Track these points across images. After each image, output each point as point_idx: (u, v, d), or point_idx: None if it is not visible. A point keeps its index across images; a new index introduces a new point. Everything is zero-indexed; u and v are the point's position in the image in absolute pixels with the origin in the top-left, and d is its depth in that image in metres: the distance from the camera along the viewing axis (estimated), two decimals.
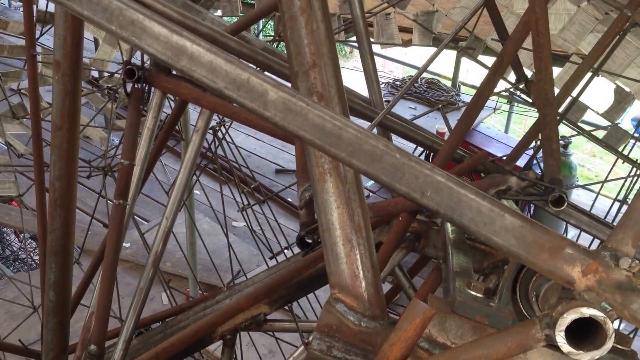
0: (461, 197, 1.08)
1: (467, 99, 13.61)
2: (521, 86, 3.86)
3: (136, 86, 2.27)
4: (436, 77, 14.22)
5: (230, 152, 4.76)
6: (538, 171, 4.27)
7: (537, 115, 3.67)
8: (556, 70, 4.76)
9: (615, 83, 3.94)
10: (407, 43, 4.99)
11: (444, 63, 13.84)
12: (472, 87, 14.39)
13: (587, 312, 1.00)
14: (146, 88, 2.35)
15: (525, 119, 16.21)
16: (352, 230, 1.28)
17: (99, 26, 1.18)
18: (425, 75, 14.44)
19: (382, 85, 13.57)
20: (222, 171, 7.49)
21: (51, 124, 2.02)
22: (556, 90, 4.09)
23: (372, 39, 4.69)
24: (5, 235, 8.89)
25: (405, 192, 1.11)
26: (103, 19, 1.15)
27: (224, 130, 4.82)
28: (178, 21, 2.37)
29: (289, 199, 9.74)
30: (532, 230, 1.06)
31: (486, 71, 4.24)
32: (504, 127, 12.70)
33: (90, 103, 6.01)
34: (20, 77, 5.98)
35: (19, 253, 8.38)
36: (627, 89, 3.88)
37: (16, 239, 8.70)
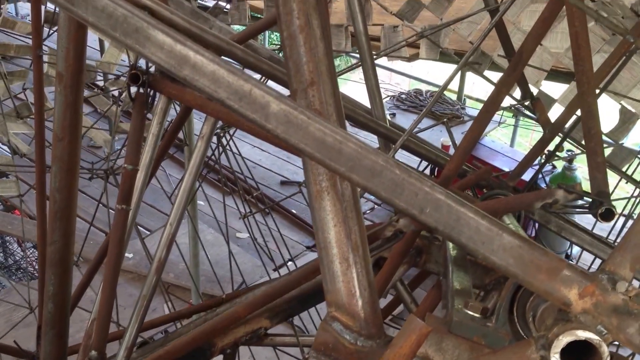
0: (460, 215, 1.08)
1: (473, 112, 13.62)
2: (526, 103, 3.87)
3: (141, 91, 2.27)
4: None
5: (234, 162, 4.76)
6: (543, 185, 4.25)
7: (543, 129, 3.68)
8: (560, 87, 4.76)
9: (620, 103, 3.94)
10: (412, 58, 5.00)
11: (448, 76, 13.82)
12: (478, 100, 14.40)
13: (582, 335, 0.99)
14: (151, 93, 2.35)
15: (532, 132, 16.20)
16: (349, 248, 1.28)
17: (103, 33, 1.18)
18: (430, 88, 14.46)
19: (387, 99, 13.58)
20: (225, 181, 7.49)
21: (52, 135, 2.02)
22: (561, 108, 4.09)
23: (378, 50, 4.70)
24: (8, 244, 8.87)
25: (404, 208, 1.11)
26: (107, 26, 1.15)
27: (228, 137, 4.82)
28: (184, 29, 2.38)
29: (293, 210, 9.71)
30: (530, 250, 1.05)
31: (491, 86, 4.26)
32: (509, 139, 12.65)
33: (95, 105, 6.03)
34: (26, 77, 6.01)
35: (21, 262, 8.36)
36: (632, 110, 3.88)
37: (19, 248, 8.68)
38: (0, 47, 5.25)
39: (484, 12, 4.00)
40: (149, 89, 2.29)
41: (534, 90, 4.09)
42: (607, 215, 2.20)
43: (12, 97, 5.24)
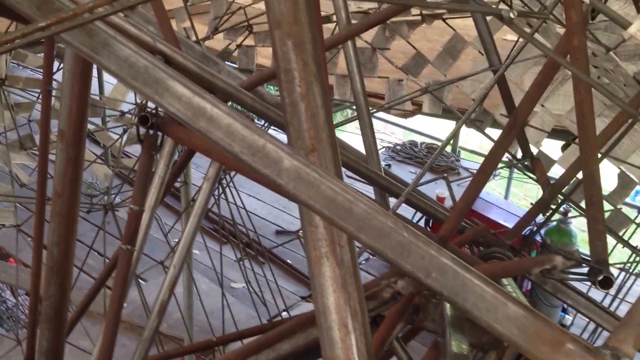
0: (465, 282, 1.09)
1: (467, 164, 13.71)
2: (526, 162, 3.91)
3: (149, 132, 2.30)
4: (436, 143, 14.36)
5: (228, 209, 4.77)
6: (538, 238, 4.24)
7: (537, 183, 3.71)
8: (560, 144, 4.81)
9: (619, 168, 3.98)
10: (414, 112, 5.07)
11: (444, 128, 14.00)
12: (472, 152, 14.52)
13: None
14: (159, 135, 2.38)
15: (526, 184, 16.25)
16: (348, 314, 1.28)
17: (123, 81, 1.20)
18: (425, 139, 14.58)
19: (382, 150, 13.68)
20: (222, 230, 7.49)
21: (52, 191, 2.04)
22: (562, 170, 4.12)
23: (381, 104, 4.76)
24: (1, 292, 8.76)
25: (410, 271, 1.12)
26: (128, 76, 1.18)
27: (227, 180, 4.85)
28: (196, 74, 2.42)
29: (289, 261, 9.65)
30: (535, 321, 1.06)
31: (486, 139, 4.30)
32: (504, 188, 12.67)
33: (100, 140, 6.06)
34: (32, 109, 6.05)
35: (14, 310, 8.27)
36: (631, 175, 3.91)
37: (12, 296, 8.59)
38: (10, 79, 5.30)
39: (488, 71, 4.07)
40: (157, 131, 2.31)
41: (534, 150, 4.13)
42: (606, 283, 2.21)
43: (17, 128, 5.27)
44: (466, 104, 5.42)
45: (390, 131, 16.41)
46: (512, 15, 0.97)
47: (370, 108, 3.54)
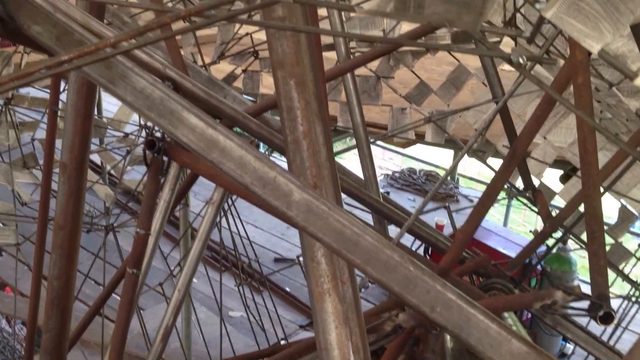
0: (470, 317, 1.10)
1: (466, 191, 13.71)
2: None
3: (156, 157, 2.32)
4: (435, 170, 14.38)
5: (231, 230, 4.76)
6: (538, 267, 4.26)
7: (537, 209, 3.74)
8: (555, 172, 4.84)
9: (620, 202, 4.00)
10: (410, 143, 5.11)
11: (442, 155, 14.02)
12: (471, 179, 14.53)
13: None
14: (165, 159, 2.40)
15: (524, 209, 16.22)
16: (350, 350, 1.29)
17: (139, 112, 1.23)
18: (423, 167, 14.61)
19: (381, 177, 13.70)
20: (221, 257, 7.46)
21: (54, 223, 2.06)
22: (563, 203, 4.14)
23: (384, 133, 4.80)
24: None
25: (416, 305, 1.13)
26: (144, 107, 1.21)
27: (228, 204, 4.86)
28: (204, 100, 2.45)
29: (287, 288, 9.58)
30: (538, 358, 1.07)
31: (484, 166, 4.33)
32: (502, 214, 12.64)
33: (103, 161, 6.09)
34: (36, 128, 6.08)
35: (9, 340, 8.21)
36: (632, 209, 3.94)
37: (8, 325, 8.53)
38: (16, 98, 5.34)
39: (491, 101, 4.11)
40: (163, 156, 2.34)
41: (535, 181, 4.15)
42: (607, 318, 2.22)
43: (21, 146, 5.30)
44: (465, 133, 5.47)
45: (388, 157, 16.47)
46: (521, 61, 1.00)
47: (370, 137, 3.59)
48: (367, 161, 3.38)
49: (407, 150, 14.55)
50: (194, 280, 7.55)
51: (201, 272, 6.58)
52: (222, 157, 1.19)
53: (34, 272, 2.95)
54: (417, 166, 14.73)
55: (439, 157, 13.99)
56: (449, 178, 13.32)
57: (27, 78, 0.99)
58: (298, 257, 4.34)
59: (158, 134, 2.48)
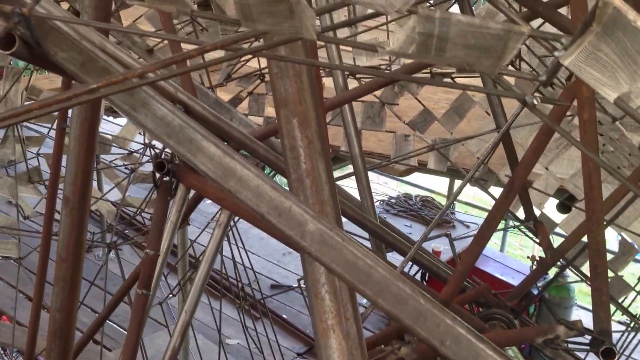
0: (479, 352, 1.12)
1: (462, 217, 13.72)
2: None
3: (165, 179, 2.35)
4: (430, 195, 14.40)
5: (228, 257, 4.77)
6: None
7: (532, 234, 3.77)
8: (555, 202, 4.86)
9: (621, 235, 4.03)
10: (407, 172, 5.17)
11: (437, 180, 14.05)
12: (467, 204, 14.54)
13: None
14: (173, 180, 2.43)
15: (521, 235, 16.18)
16: None
17: (158, 139, 1.26)
18: (420, 192, 14.63)
19: (377, 203, 13.70)
20: (218, 284, 7.44)
21: (56, 256, 2.07)
22: (564, 234, 4.16)
23: (388, 159, 4.84)
24: None
25: (425, 338, 1.15)
26: (164, 134, 1.23)
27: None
28: (214, 123, 2.48)
29: (284, 315, 9.53)
30: None
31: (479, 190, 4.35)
32: (500, 239, 12.63)
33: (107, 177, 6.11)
34: (41, 143, 6.12)
35: None
36: (633, 243, 3.96)
37: (4, 354, 8.49)
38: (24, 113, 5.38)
39: (495, 131, 4.15)
40: (172, 178, 2.37)
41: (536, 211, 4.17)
42: (608, 354, 2.23)
43: (27, 161, 5.33)
44: (462, 161, 5.51)
45: (383, 181, 16.49)
46: (535, 102, 1.03)
47: (368, 166, 3.63)
48: (365, 192, 3.42)
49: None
50: None
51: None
52: (239, 186, 1.22)
53: (34, 302, 2.96)
54: (413, 191, 14.75)
55: (434, 182, 14.00)
56: (443, 202, 13.32)
57: (56, 105, 1.02)
58: (299, 280, 4.35)
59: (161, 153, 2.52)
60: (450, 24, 0.86)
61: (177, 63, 1.00)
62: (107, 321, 3.00)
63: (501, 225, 11.46)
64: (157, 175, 2.40)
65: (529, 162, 2.81)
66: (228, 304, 8.39)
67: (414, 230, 12.42)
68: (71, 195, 2.02)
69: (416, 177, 13.85)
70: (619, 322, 3.88)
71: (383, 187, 16.04)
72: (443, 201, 13.87)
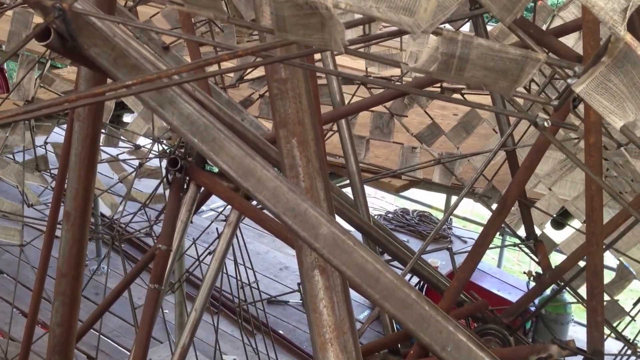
0: None
1: (459, 232, 13.74)
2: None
3: (177, 175, 2.41)
4: (427, 210, 14.42)
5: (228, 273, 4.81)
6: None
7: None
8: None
9: (619, 259, 4.07)
10: (401, 188, 5.23)
11: (436, 195, 14.06)
12: (464, 219, 14.57)
13: None
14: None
15: (519, 251, 16.18)
16: None
17: (183, 136, 1.31)
18: (417, 207, 14.66)
19: (375, 217, 13.66)
20: (219, 304, 7.46)
21: (56, 271, 2.10)
22: (562, 256, 4.21)
23: (393, 170, 4.90)
24: None
25: (428, 343, 1.20)
26: (189, 132, 1.29)
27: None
28: (228, 124, 2.54)
29: (280, 331, 9.49)
30: None
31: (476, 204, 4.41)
32: (497, 254, 12.64)
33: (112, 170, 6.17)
34: (50, 132, 6.18)
35: None
36: (630, 269, 4.01)
37: None
38: (37, 101, 5.45)
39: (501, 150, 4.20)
40: (185, 175, 2.42)
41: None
42: None
43: (35, 148, 5.39)
44: (467, 178, 5.56)
45: (381, 195, 16.52)
46: (546, 124, 1.08)
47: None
48: (362, 209, 3.45)
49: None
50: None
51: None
52: (257, 186, 1.27)
53: (29, 316, 3.00)
54: (410, 206, 14.76)
55: (432, 197, 14.03)
56: (441, 217, 13.35)
57: (92, 98, 1.07)
58: (299, 284, 4.40)
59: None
60: (471, 47, 0.91)
61: (210, 65, 1.05)
62: (103, 337, 3.03)
63: (499, 242, 11.54)
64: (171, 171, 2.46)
65: (522, 180, 2.90)
66: (224, 319, 8.43)
67: (411, 245, 12.39)
68: (72, 210, 2.04)
69: (414, 192, 13.88)
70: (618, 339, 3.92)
71: (381, 201, 16.05)
72: (440, 216, 13.89)
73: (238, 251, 5.27)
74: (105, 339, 7.94)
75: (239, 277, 5.23)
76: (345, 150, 3.50)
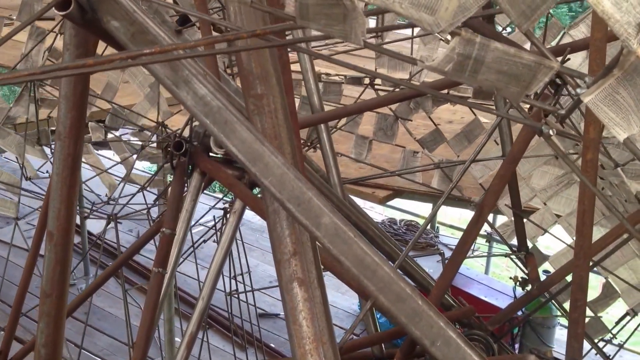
0: (466, 357, 1.20)
1: (446, 240, 13.75)
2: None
3: (181, 159, 2.42)
4: (415, 220, 14.43)
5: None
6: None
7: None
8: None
9: (606, 278, 4.11)
10: (385, 199, 5.28)
11: (422, 204, 14.04)
12: (451, 227, 14.58)
13: None
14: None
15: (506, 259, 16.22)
16: None
17: (195, 116, 1.34)
18: (404, 216, 14.66)
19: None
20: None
21: (40, 291, 2.09)
22: (552, 269, 4.24)
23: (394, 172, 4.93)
24: None
25: (418, 337, 1.23)
26: (201, 113, 1.31)
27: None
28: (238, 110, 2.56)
29: (272, 345, 9.43)
30: None
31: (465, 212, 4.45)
32: (485, 260, 12.65)
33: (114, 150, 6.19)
34: (55, 107, 6.19)
35: None
36: (616, 287, 4.04)
37: None
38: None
39: (500, 159, 4.23)
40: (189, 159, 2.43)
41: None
42: None
43: (38, 122, 5.40)
44: (470, 186, 5.60)
45: (370, 205, 16.50)
46: (551, 133, 1.11)
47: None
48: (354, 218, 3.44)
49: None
50: (177, 339, 7.51)
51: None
52: (264, 171, 1.30)
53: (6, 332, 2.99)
54: (398, 215, 14.74)
55: (419, 207, 14.02)
56: (429, 227, 13.35)
57: (108, 65, 1.09)
58: None
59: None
60: (488, 50, 0.94)
61: (227, 41, 1.07)
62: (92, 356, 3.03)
63: (485, 249, 11.57)
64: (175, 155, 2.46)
65: (496, 190, 2.98)
66: (215, 334, 8.40)
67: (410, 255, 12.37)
68: (55, 230, 2.02)
69: (402, 202, 13.88)
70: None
71: (370, 211, 16.03)
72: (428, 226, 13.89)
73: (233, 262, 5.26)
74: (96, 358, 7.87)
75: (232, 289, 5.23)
76: (327, 164, 3.46)
